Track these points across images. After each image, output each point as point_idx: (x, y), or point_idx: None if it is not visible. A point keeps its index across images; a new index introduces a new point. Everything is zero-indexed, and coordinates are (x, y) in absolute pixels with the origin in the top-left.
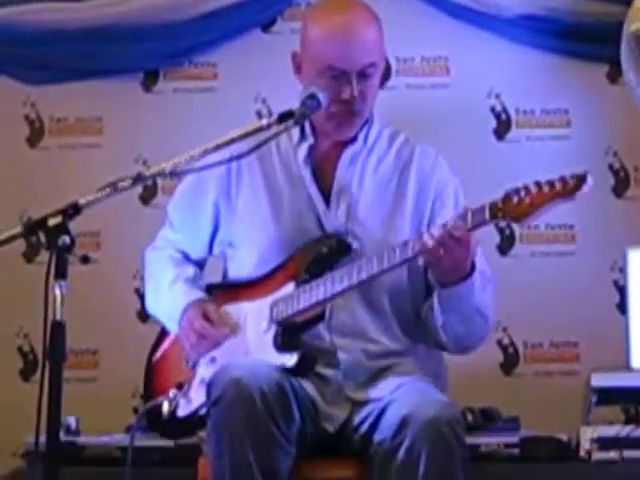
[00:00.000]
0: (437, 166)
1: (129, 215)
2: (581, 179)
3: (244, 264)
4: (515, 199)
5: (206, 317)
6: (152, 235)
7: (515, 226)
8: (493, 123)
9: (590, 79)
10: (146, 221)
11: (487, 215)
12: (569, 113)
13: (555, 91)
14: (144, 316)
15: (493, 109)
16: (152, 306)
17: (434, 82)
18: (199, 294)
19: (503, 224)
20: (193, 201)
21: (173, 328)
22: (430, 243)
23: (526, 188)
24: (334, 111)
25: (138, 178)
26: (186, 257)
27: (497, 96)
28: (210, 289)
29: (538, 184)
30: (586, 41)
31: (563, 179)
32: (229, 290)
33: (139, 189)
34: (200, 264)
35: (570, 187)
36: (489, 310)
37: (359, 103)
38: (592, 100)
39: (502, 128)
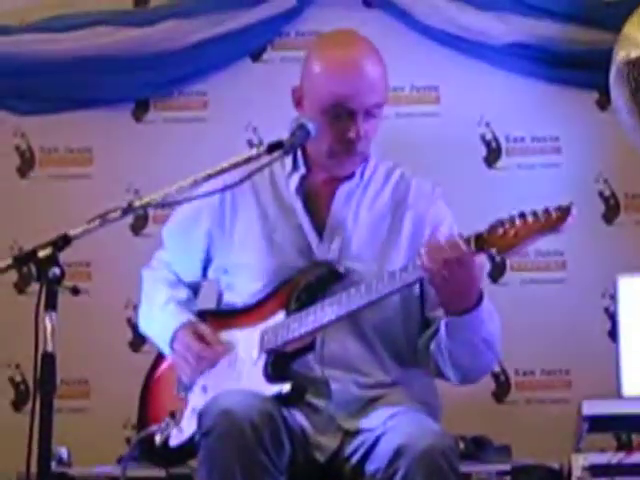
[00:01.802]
0: (432, 203)
1: (120, 245)
2: (565, 211)
3: (238, 292)
4: (500, 231)
5: (200, 338)
6: (143, 265)
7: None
8: (483, 151)
9: (580, 106)
10: (137, 251)
11: (473, 246)
12: (559, 140)
13: (545, 119)
14: (136, 346)
15: (483, 137)
16: (144, 326)
17: (424, 110)
18: (190, 316)
19: (493, 253)
20: (186, 229)
21: (164, 349)
22: (431, 264)
23: (511, 220)
24: (337, 150)
25: (128, 209)
26: (180, 280)
27: (487, 124)
28: (201, 315)
29: (523, 216)
30: (575, 68)
31: (547, 211)
32: (220, 317)
33: (130, 219)
34: (193, 288)
35: (554, 220)
36: (496, 341)
37: (362, 143)
38: (582, 127)
39: (492, 156)
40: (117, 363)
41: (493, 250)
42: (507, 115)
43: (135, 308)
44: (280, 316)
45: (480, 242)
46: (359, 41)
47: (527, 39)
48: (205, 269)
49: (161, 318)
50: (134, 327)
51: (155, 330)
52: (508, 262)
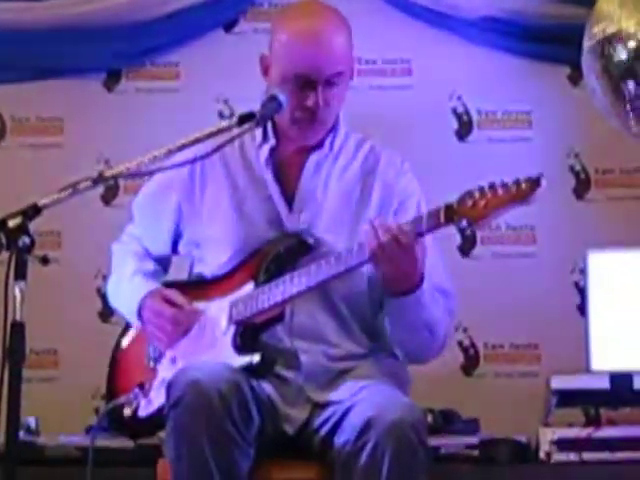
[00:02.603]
0: (401, 175)
1: (90, 215)
2: (535, 182)
3: (208, 265)
4: (470, 202)
5: (170, 303)
6: (114, 235)
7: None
8: (455, 124)
9: (552, 81)
10: (107, 221)
11: (442, 217)
12: (531, 115)
13: (517, 93)
14: (105, 316)
15: (455, 110)
16: (112, 299)
17: (396, 83)
18: (157, 285)
19: (463, 225)
20: (156, 203)
21: (132, 319)
22: (373, 243)
23: (481, 190)
24: (297, 117)
25: (99, 179)
26: (149, 253)
27: (459, 98)
28: (169, 287)
29: (492, 186)
30: (547, 43)
31: (517, 182)
32: (189, 288)
33: (100, 189)
34: (163, 262)
35: (523, 190)
36: (440, 326)
37: (323, 111)
38: (554, 102)
39: (464, 129)
40: (86, 333)
41: (463, 221)
42: (479, 89)
43: (105, 278)
44: (249, 287)
45: (450, 213)
46: (322, 10)
47: (499, 13)
48: (175, 244)
49: (128, 289)
50: (104, 297)
51: (122, 302)
52: (478, 236)
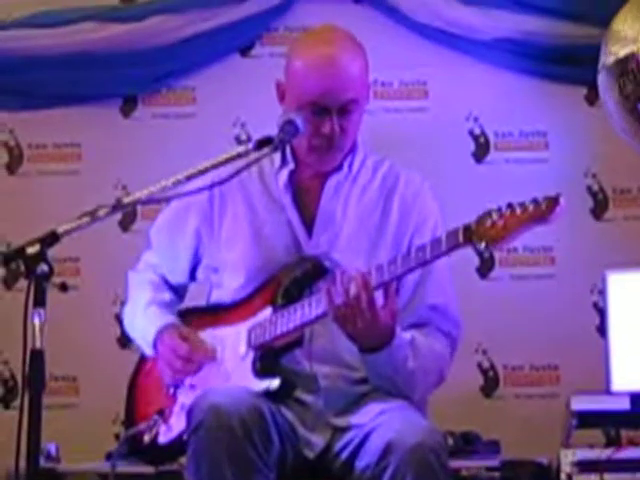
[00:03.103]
0: (419, 196)
1: (108, 241)
2: (554, 201)
3: (227, 290)
4: (488, 222)
5: (185, 340)
6: (132, 261)
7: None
8: (472, 146)
9: (568, 101)
10: (125, 247)
11: (461, 238)
12: (547, 136)
13: (533, 114)
14: (124, 342)
15: (471, 132)
16: (128, 328)
17: (412, 106)
18: (171, 318)
19: (481, 246)
20: (174, 229)
21: (148, 351)
22: (329, 306)
23: (499, 211)
24: (315, 144)
25: (117, 206)
26: (165, 282)
27: (475, 119)
28: (188, 313)
29: (511, 206)
30: (563, 64)
31: (535, 201)
32: (207, 314)
33: (118, 215)
34: (179, 290)
35: (542, 209)
36: (419, 380)
37: (340, 138)
38: (570, 122)
39: (481, 151)
40: (105, 359)
41: (482, 242)
42: (495, 110)
43: (123, 304)
44: (267, 312)
45: (468, 233)
46: (338, 37)
47: (514, 34)
48: (193, 270)
49: (143, 320)
50: (122, 323)
51: (138, 332)
52: (497, 257)
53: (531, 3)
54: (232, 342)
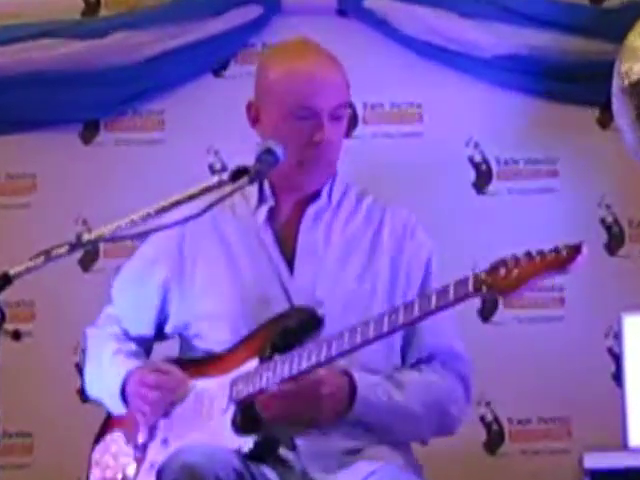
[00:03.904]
0: (410, 230)
1: (67, 282)
2: (575, 250)
3: (210, 341)
4: (502, 271)
5: (155, 371)
6: (93, 304)
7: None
8: (472, 175)
9: (579, 124)
10: (86, 289)
11: (470, 287)
12: (556, 163)
13: (540, 139)
14: (85, 395)
15: (472, 159)
16: (92, 387)
17: (405, 130)
18: (143, 362)
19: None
20: (138, 281)
21: (116, 407)
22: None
23: (515, 259)
24: (304, 158)
25: (76, 244)
26: (128, 336)
27: (476, 145)
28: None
29: (529, 255)
30: (573, 83)
31: (556, 250)
32: (187, 364)
33: (78, 253)
34: (143, 343)
35: (563, 258)
36: (415, 423)
37: (330, 149)
38: (582, 148)
39: (482, 180)
40: (64, 414)
41: (493, 293)
42: (498, 135)
43: (84, 352)
44: (253, 363)
45: (479, 282)
46: (316, 48)
47: (519, 50)
48: (160, 326)
49: (110, 371)
50: (82, 373)
51: (104, 387)
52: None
53: (537, 16)
54: (213, 395)
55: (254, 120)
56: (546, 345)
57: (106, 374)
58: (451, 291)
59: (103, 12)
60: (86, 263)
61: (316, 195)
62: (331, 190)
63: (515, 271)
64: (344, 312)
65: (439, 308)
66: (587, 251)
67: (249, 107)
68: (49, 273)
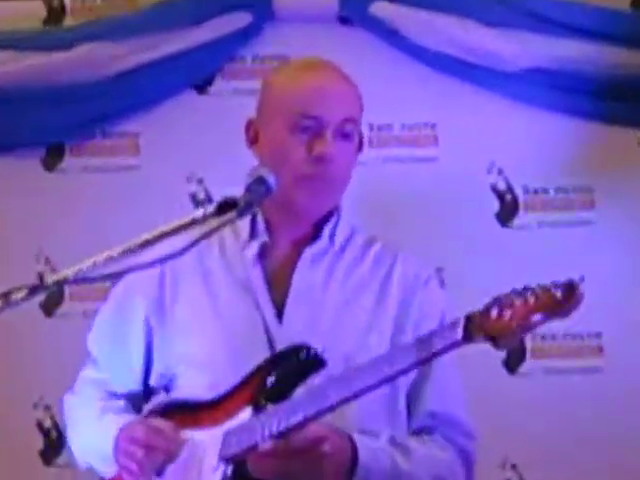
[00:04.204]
0: (422, 282)
1: (28, 328)
2: (570, 288)
3: (188, 390)
4: (494, 313)
5: (149, 427)
6: (57, 351)
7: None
8: (495, 205)
9: (619, 148)
10: (50, 336)
11: (460, 333)
12: (592, 192)
13: (575, 164)
14: (49, 457)
15: (495, 188)
16: (81, 454)
17: (418, 155)
18: (135, 417)
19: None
20: (118, 328)
21: (108, 470)
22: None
23: (508, 298)
24: (306, 173)
25: (38, 287)
26: (115, 396)
27: (500, 171)
28: (154, 413)
29: (521, 294)
30: (612, 100)
31: (548, 289)
32: (175, 413)
33: (41, 295)
34: (132, 400)
35: (558, 299)
36: None
37: (336, 167)
38: (622, 174)
39: (507, 211)
40: (26, 478)
41: (486, 337)
42: (525, 160)
43: (48, 408)
44: (246, 414)
45: (471, 326)
46: (327, 62)
47: (549, 63)
48: (147, 372)
49: (98, 431)
50: (46, 433)
51: (93, 449)
52: (528, 346)
53: (569, 23)
54: (205, 450)
55: (253, 140)
56: (581, 400)
57: (95, 437)
58: (437, 337)
59: (68, 21)
60: (49, 307)
61: (316, 235)
62: (334, 231)
63: (508, 313)
64: (347, 368)
65: (426, 359)
66: (583, 291)
67: (248, 126)
68: (6, 317)
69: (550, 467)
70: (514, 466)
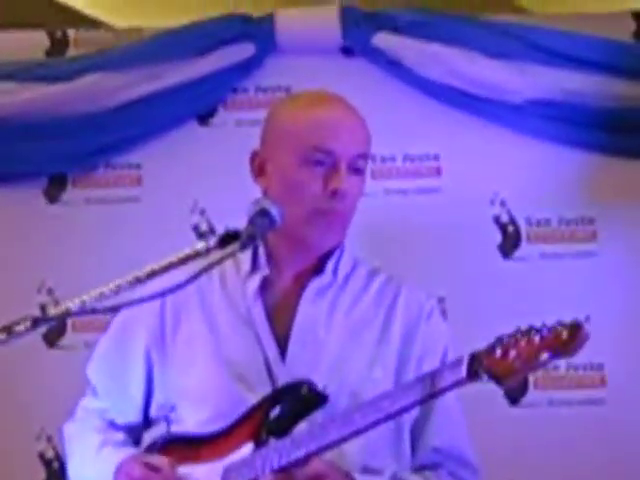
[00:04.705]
0: (426, 316)
1: (30, 359)
2: (575, 329)
3: (187, 425)
4: (498, 352)
5: (149, 466)
6: (59, 383)
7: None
8: (498, 237)
9: (622, 180)
10: (52, 367)
11: (464, 372)
12: (595, 223)
13: (578, 196)
14: None
15: (497, 219)
16: None
17: (421, 186)
18: (133, 452)
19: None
20: (118, 358)
21: None
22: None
23: (513, 338)
24: (322, 208)
25: (40, 319)
26: (114, 426)
27: (502, 203)
28: (153, 448)
29: (526, 333)
30: (617, 132)
31: (554, 329)
32: (178, 448)
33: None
34: (132, 432)
35: (564, 340)
36: None
37: (346, 206)
38: (625, 207)
39: (509, 243)
40: None
41: (490, 377)
42: (527, 192)
43: (50, 439)
44: (247, 449)
45: (475, 365)
46: (333, 94)
47: (554, 95)
48: (147, 405)
49: (96, 465)
50: (48, 464)
51: None
52: (531, 378)
53: (575, 55)
54: None
55: (258, 172)
56: (584, 431)
57: (94, 470)
58: (441, 377)
59: (71, 51)
60: (52, 338)
61: (319, 269)
62: (337, 265)
63: (512, 352)
64: (352, 404)
65: (426, 397)
66: (588, 331)
67: (253, 157)
68: (8, 347)
69: None
70: None
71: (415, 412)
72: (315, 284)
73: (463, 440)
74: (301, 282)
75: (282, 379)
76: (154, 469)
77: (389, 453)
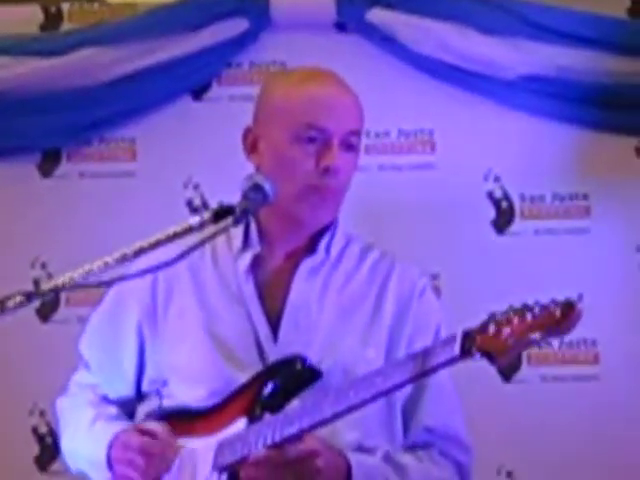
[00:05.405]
0: (418, 293)
1: (23, 334)
2: (568, 308)
3: (177, 400)
4: (491, 329)
5: (144, 433)
6: (52, 357)
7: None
8: (492, 213)
9: (615, 156)
10: (45, 341)
11: (457, 349)
12: (589, 199)
13: (570, 172)
14: (44, 462)
15: (491, 195)
16: (73, 460)
17: (415, 161)
18: (127, 424)
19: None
20: (111, 332)
21: (99, 477)
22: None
23: (506, 315)
24: (314, 184)
25: (33, 294)
26: (107, 400)
27: (496, 179)
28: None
29: (519, 311)
30: (610, 108)
31: (547, 307)
32: (174, 421)
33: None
34: (125, 406)
35: (556, 318)
36: None
37: (339, 183)
38: (618, 182)
39: (503, 219)
40: None
41: (483, 354)
42: (521, 168)
43: (43, 414)
44: (241, 424)
45: (468, 342)
46: (326, 70)
47: (547, 70)
48: (139, 379)
49: (89, 439)
50: (41, 439)
51: (85, 457)
52: (524, 354)
53: (568, 31)
54: (198, 459)
55: (251, 149)
56: (577, 408)
57: (87, 444)
58: (434, 354)
59: (66, 26)
60: (45, 313)
61: (312, 248)
62: (330, 243)
63: (506, 330)
64: (345, 381)
65: (420, 375)
66: (581, 309)
67: (246, 134)
68: (1, 322)
69: (546, 474)
70: (510, 474)
71: (407, 390)
72: (308, 263)
73: (455, 419)
74: (293, 260)
75: (273, 358)
76: (152, 436)
77: (381, 432)
